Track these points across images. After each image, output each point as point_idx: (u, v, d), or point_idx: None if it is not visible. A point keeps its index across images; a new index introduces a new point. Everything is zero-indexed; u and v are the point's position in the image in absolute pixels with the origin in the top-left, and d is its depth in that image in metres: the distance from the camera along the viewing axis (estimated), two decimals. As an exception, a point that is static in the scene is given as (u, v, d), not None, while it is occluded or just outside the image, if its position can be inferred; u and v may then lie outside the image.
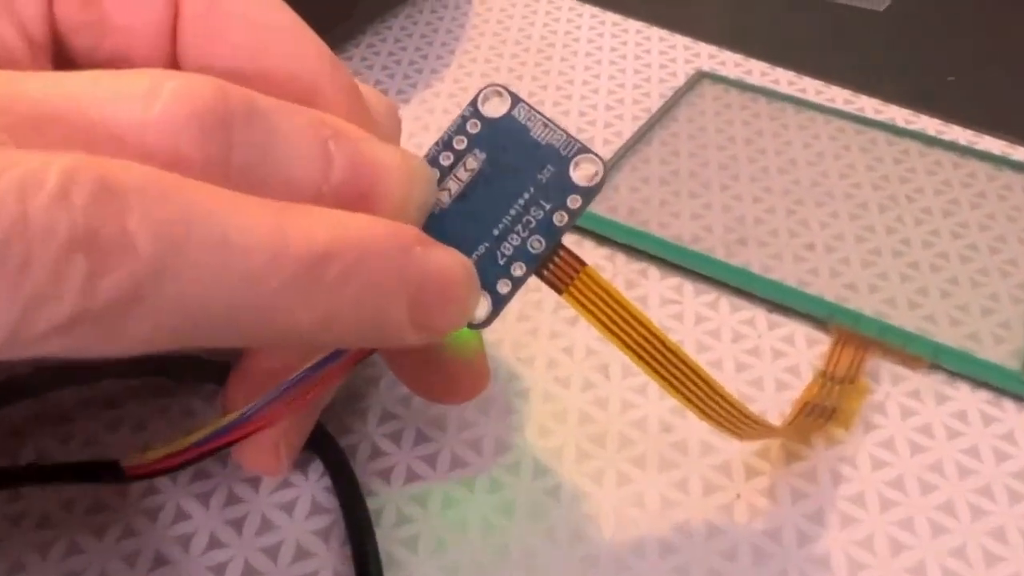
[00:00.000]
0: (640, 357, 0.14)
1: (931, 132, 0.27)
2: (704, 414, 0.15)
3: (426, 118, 0.28)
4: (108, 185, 0.10)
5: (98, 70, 0.12)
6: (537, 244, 0.13)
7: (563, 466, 0.18)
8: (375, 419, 0.19)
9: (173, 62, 0.15)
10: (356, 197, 0.13)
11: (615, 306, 0.14)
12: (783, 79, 0.29)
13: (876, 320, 0.20)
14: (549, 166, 0.14)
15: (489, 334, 0.20)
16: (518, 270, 0.14)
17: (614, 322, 0.14)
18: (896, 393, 0.19)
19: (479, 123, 0.14)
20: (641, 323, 0.14)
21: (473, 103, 0.14)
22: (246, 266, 0.11)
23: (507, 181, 0.14)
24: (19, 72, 0.12)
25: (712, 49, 0.31)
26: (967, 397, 0.19)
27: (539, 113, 0.14)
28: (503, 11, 0.33)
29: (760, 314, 0.21)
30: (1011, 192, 0.24)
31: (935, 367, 0.20)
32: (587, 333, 0.20)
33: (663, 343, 0.14)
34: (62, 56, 0.15)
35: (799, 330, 0.21)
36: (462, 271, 0.14)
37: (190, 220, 0.11)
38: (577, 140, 0.14)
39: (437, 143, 0.14)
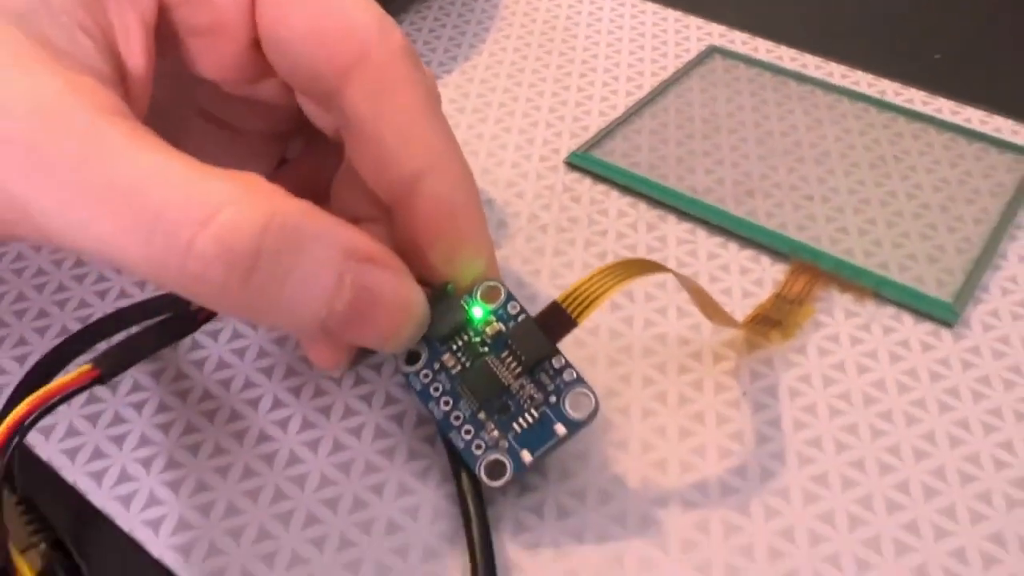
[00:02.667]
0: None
1: (915, 104, 0.30)
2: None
3: (461, 101, 0.31)
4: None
5: (181, 158, 0.15)
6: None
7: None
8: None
9: (253, 27, 0.19)
10: (355, 320, 0.16)
11: (598, 280, 0.18)
12: (786, 56, 0.32)
13: (837, 258, 0.24)
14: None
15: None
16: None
17: (606, 282, 0.18)
18: (848, 325, 0.22)
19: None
20: (631, 264, 0.18)
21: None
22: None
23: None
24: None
25: (722, 29, 0.34)
26: (910, 328, 0.22)
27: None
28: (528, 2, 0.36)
29: (763, 255, 0.24)
30: (962, 160, 0.28)
31: (882, 301, 0.23)
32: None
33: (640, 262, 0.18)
34: (163, 30, 0.18)
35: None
36: (404, 302, 0.17)
37: None
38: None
39: None
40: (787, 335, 0.22)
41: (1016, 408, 0.20)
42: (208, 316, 0.19)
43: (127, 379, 0.21)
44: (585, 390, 0.17)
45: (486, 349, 0.18)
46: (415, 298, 0.18)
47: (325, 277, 0.16)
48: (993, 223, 0.25)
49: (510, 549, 0.18)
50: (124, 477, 0.19)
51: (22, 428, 0.15)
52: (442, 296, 0.18)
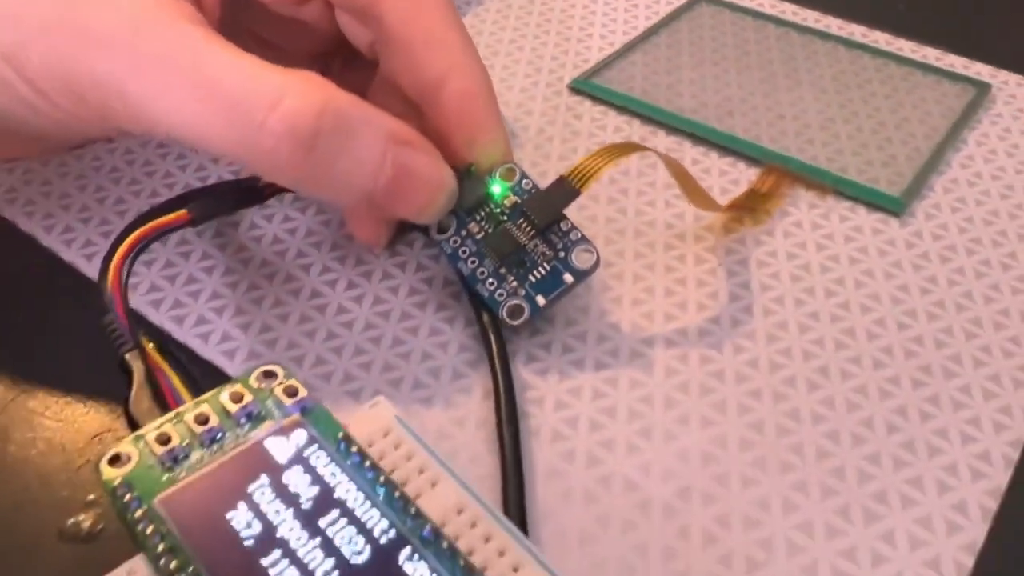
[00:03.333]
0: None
1: (881, 44, 0.34)
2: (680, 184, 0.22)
3: (475, 39, 0.35)
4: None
5: (251, 56, 0.19)
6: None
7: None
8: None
9: None
10: (395, 193, 0.20)
11: (596, 158, 0.22)
12: (766, 3, 0.36)
13: (803, 162, 0.28)
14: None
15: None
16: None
17: (603, 158, 0.22)
18: (810, 214, 0.26)
19: None
20: (624, 146, 0.22)
21: None
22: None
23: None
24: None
25: (710, -19, 0.38)
26: (863, 217, 0.26)
27: None
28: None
29: (740, 161, 0.28)
30: (918, 88, 0.31)
31: (841, 196, 0.27)
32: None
33: (632, 144, 0.22)
34: None
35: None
36: (437, 179, 0.21)
37: None
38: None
39: None
40: (758, 221, 0.26)
41: (950, 277, 0.24)
42: (273, 191, 0.23)
43: (197, 249, 0.25)
44: (588, 247, 0.21)
45: (505, 217, 0.22)
46: (446, 175, 0.21)
47: (372, 154, 0.20)
48: (940, 138, 0.29)
49: (523, 373, 0.21)
50: (201, 321, 0.23)
51: (136, 250, 0.19)
52: (466, 175, 0.22)
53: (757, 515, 0.19)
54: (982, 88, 0.31)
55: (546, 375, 0.21)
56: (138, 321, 0.20)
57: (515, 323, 0.21)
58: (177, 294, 0.23)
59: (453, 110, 0.22)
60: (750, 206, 0.26)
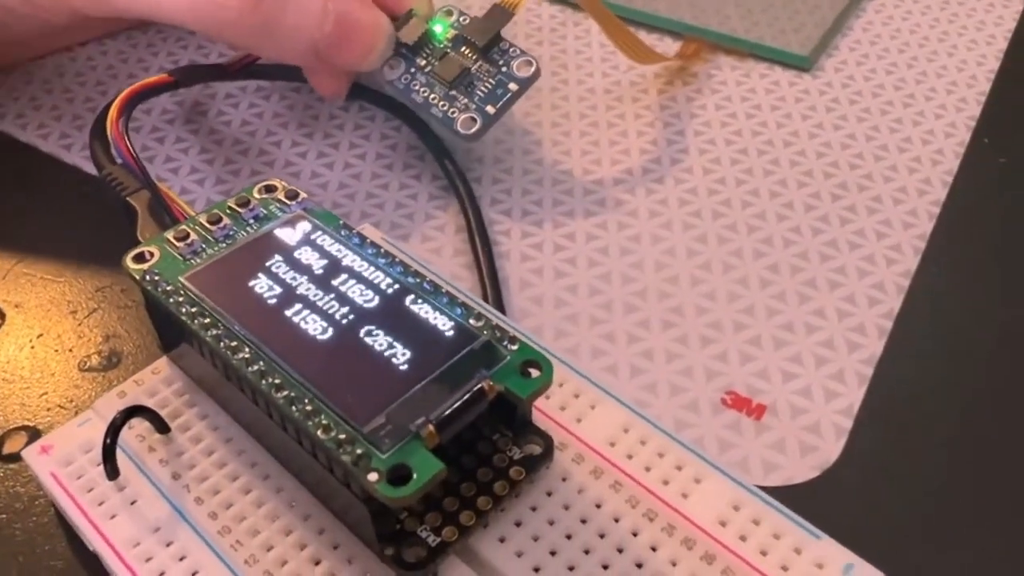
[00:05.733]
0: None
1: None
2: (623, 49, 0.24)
3: None
4: None
5: None
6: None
7: (542, 112, 0.27)
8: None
9: None
10: (339, 41, 0.22)
11: None
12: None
13: (721, 32, 0.30)
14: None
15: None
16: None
17: None
18: (733, 74, 0.29)
19: None
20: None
21: None
22: None
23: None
24: None
25: None
26: (779, 74, 0.29)
27: None
28: None
29: (666, 36, 0.31)
30: None
31: (758, 59, 0.29)
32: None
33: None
34: None
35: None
36: (374, 23, 0.23)
37: None
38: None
39: None
40: (685, 83, 0.28)
41: (858, 115, 0.27)
42: (241, 66, 0.24)
43: (171, 134, 0.26)
44: (528, 58, 0.23)
45: (448, 48, 0.24)
46: (382, 20, 0.23)
47: (313, 5, 0.22)
48: (844, 5, 0.32)
49: (490, 213, 0.24)
50: (184, 191, 0.24)
51: (129, 104, 0.20)
52: (408, 17, 0.24)
53: (705, 304, 0.21)
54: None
55: (510, 213, 0.24)
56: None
57: (469, 133, 0.23)
58: (158, 170, 0.25)
59: None
60: (677, 67, 0.28)
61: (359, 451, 0.13)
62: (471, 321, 0.15)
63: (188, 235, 0.17)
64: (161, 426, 0.16)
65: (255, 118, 0.27)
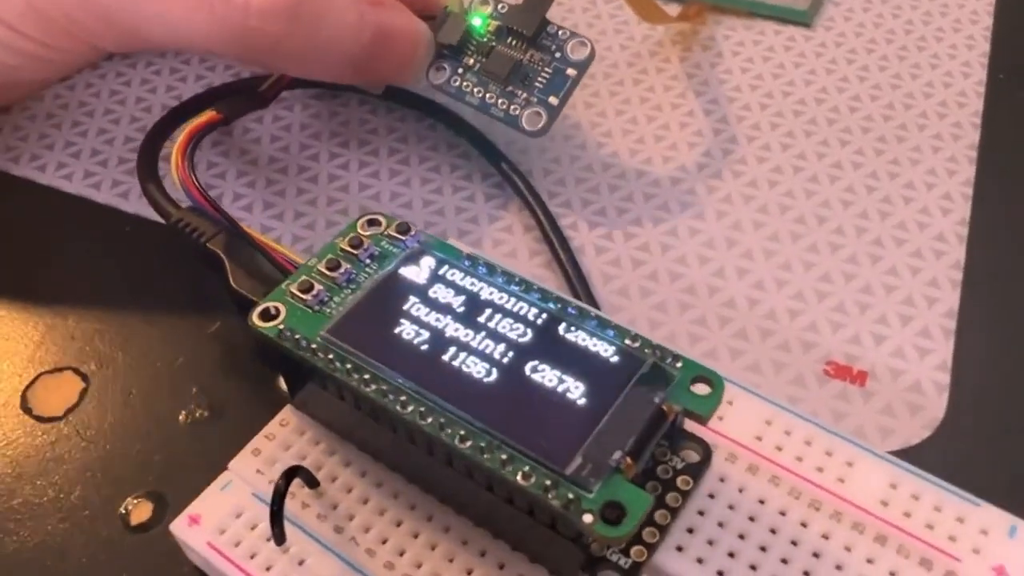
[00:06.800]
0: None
1: None
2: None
3: None
4: None
5: None
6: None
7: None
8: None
9: None
10: (379, 50, 0.21)
11: None
12: None
13: None
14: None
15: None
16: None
17: None
18: (749, 35, 0.29)
19: None
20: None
21: None
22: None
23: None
24: None
25: None
26: (782, 27, 0.29)
27: None
28: None
29: (671, 2, 0.31)
30: None
31: (753, 16, 0.30)
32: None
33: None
34: None
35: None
36: (413, 31, 0.22)
37: None
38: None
39: None
40: (705, 46, 0.28)
41: (858, 74, 0.28)
42: (275, 93, 0.23)
43: (201, 160, 0.25)
44: (581, 39, 0.22)
45: (494, 42, 0.23)
46: (420, 27, 0.22)
47: (349, 17, 0.21)
48: (836, -48, 0.32)
49: (550, 207, 0.23)
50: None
51: (189, 151, 0.20)
52: (445, 18, 0.23)
53: (784, 276, 0.22)
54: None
55: (570, 205, 0.24)
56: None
57: (536, 129, 0.22)
58: (199, 202, 0.24)
59: None
60: (690, 32, 0.28)
61: (570, 495, 0.13)
62: (627, 342, 0.15)
63: (312, 286, 0.16)
64: (311, 480, 0.16)
65: (283, 132, 0.26)
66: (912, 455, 0.18)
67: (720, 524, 0.16)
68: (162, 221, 0.20)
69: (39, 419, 0.19)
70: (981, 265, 0.22)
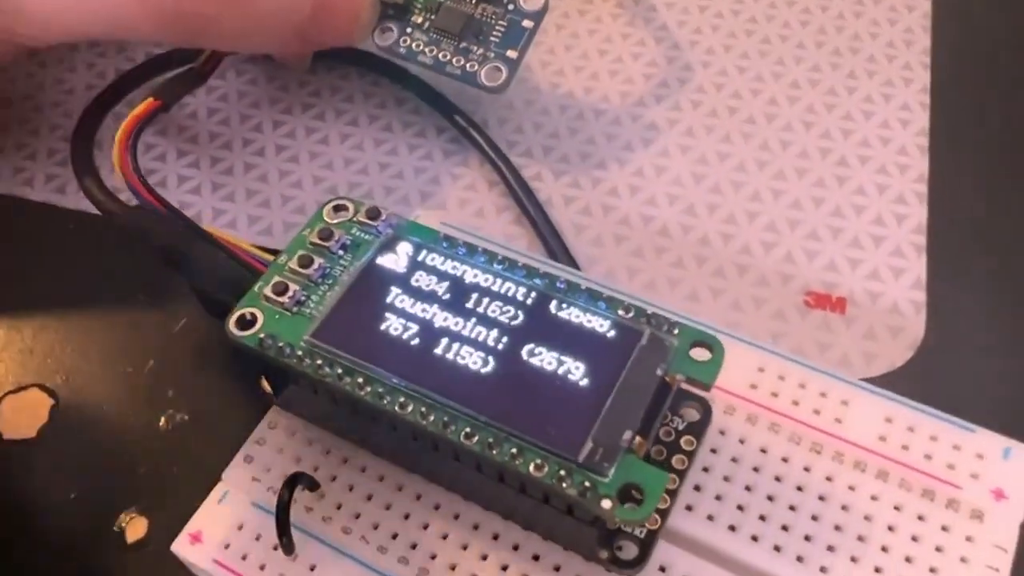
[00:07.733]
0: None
1: None
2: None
3: None
4: None
5: None
6: None
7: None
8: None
9: None
10: (321, 17, 0.20)
11: None
12: None
13: None
14: None
15: None
16: None
17: None
18: None
19: None
20: None
21: None
22: None
23: None
24: None
25: None
26: None
27: None
28: None
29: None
30: None
31: None
32: None
33: None
34: None
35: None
36: None
37: None
38: None
39: None
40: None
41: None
42: (214, 67, 0.22)
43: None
44: None
45: None
46: None
47: None
48: None
49: (511, 156, 0.23)
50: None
51: (130, 146, 0.18)
52: None
53: (754, 208, 0.22)
54: None
55: (532, 153, 0.23)
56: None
57: (496, 85, 0.21)
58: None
59: None
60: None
61: (585, 482, 0.13)
62: (620, 313, 0.15)
63: (286, 287, 0.16)
64: (311, 484, 0.16)
65: (221, 103, 0.24)
66: (898, 378, 0.19)
67: (726, 478, 0.16)
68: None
69: (12, 443, 0.19)
70: (944, 175, 0.22)
